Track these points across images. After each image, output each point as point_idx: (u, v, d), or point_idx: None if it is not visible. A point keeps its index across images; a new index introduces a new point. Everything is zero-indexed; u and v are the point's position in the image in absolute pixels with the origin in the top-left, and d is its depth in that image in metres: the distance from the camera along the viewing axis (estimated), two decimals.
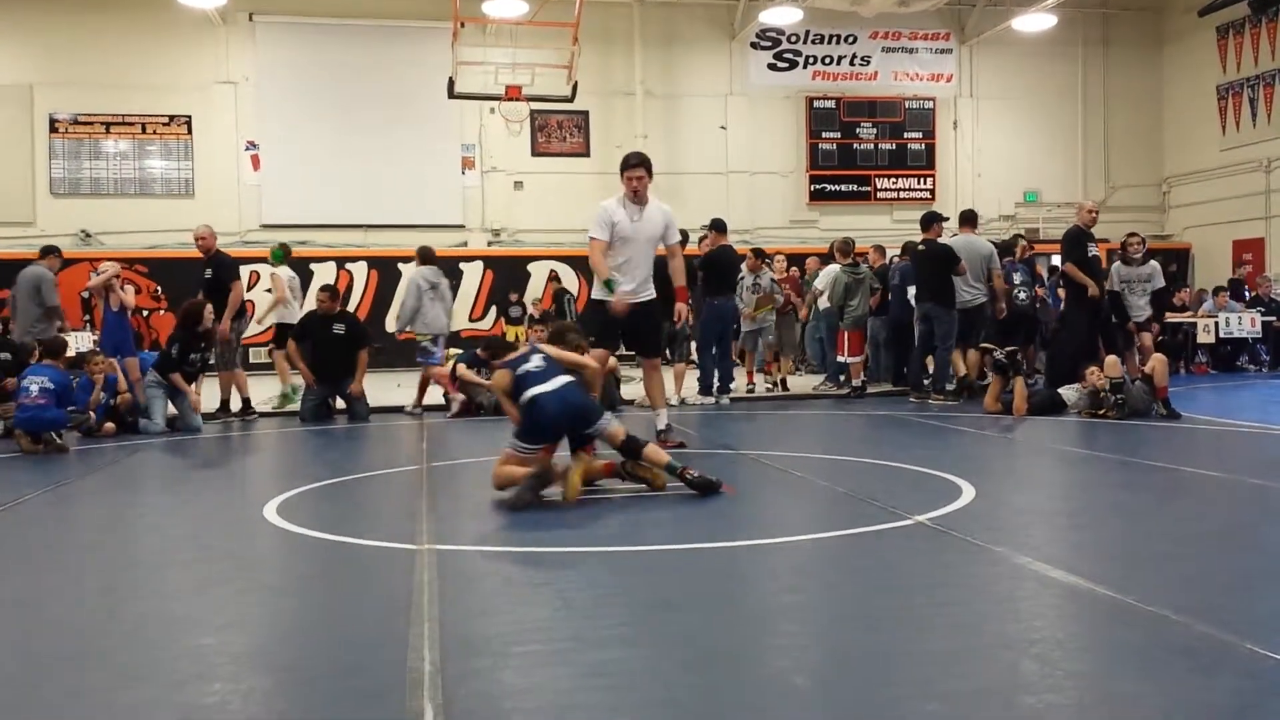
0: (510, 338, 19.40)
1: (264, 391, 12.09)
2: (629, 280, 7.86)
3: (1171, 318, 16.05)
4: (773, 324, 13.18)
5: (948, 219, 12.78)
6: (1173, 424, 9.43)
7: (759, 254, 13.14)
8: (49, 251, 11.38)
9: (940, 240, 12.02)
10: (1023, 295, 12.22)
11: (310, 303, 12.42)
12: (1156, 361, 10.07)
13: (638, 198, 7.82)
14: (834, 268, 13.24)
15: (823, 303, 13.33)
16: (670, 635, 3.51)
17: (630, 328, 7.98)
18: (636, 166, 7.86)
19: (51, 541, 5.44)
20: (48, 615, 3.93)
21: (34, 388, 8.84)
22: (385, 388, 13.11)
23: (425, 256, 11.96)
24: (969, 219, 12.37)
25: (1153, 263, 12.40)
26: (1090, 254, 11.27)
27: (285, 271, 12.60)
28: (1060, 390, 10.41)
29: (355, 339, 11.08)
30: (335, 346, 10.91)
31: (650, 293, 7.97)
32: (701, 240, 12.44)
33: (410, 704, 2.85)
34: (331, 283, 12.71)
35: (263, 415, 11.30)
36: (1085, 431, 9.10)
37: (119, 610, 3.99)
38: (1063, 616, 3.73)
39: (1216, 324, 16.35)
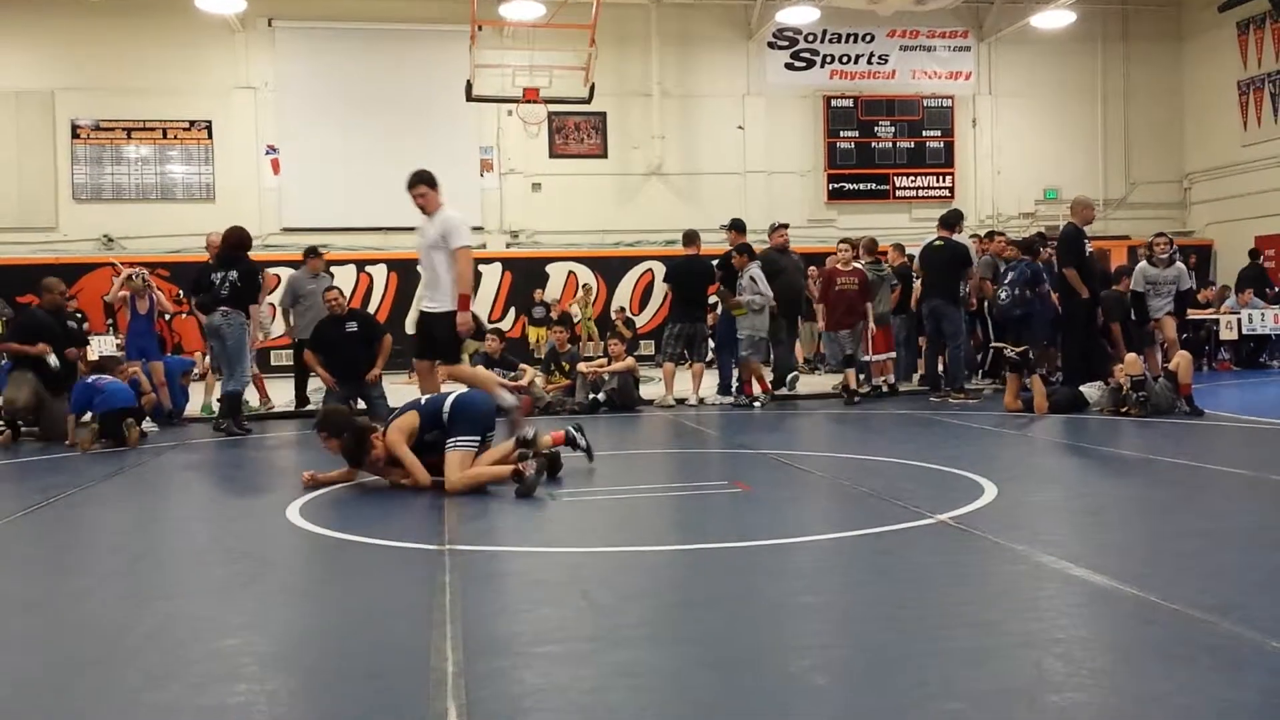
0: (532, 340, 19.46)
1: (282, 394, 12.16)
2: (425, 288, 8.00)
3: (1194, 314, 15.94)
4: (761, 331, 12.02)
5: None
6: (1196, 421, 9.37)
7: (743, 249, 12.91)
8: None
9: (957, 239, 12.01)
10: (1003, 295, 12.14)
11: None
12: (1181, 359, 10.01)
13: (425, 210, 7.86)
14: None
15: None
16: (692, 635, 3.51)
17: (427, 335, 7.94)
18: (417, 185, 7.87)
19: (76, 543, 5.48)
20: (73, 617, 3.96)
21: (107, 384, 9.28)
22: (408, 390, 13.12)
23: None
24: (947, 223, 12.18)
25: (1179, 265, 12.26)
26: (1087, 252, 11.09)
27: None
28: (1082, 388, 10.36)
29: (369, 335, 11.09)
30: (350, 346, 10.91)
31: (441, 303, 7.79)
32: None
33: (434, 704, 2.87)
34: (338, 285, 12.72)
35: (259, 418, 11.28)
36: (1107, 429, 9.04)
37: (144, 612, 4.02)
38: (1086, 615, 3.72)
39: (1239, 320, 16.23)
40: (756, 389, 11.97)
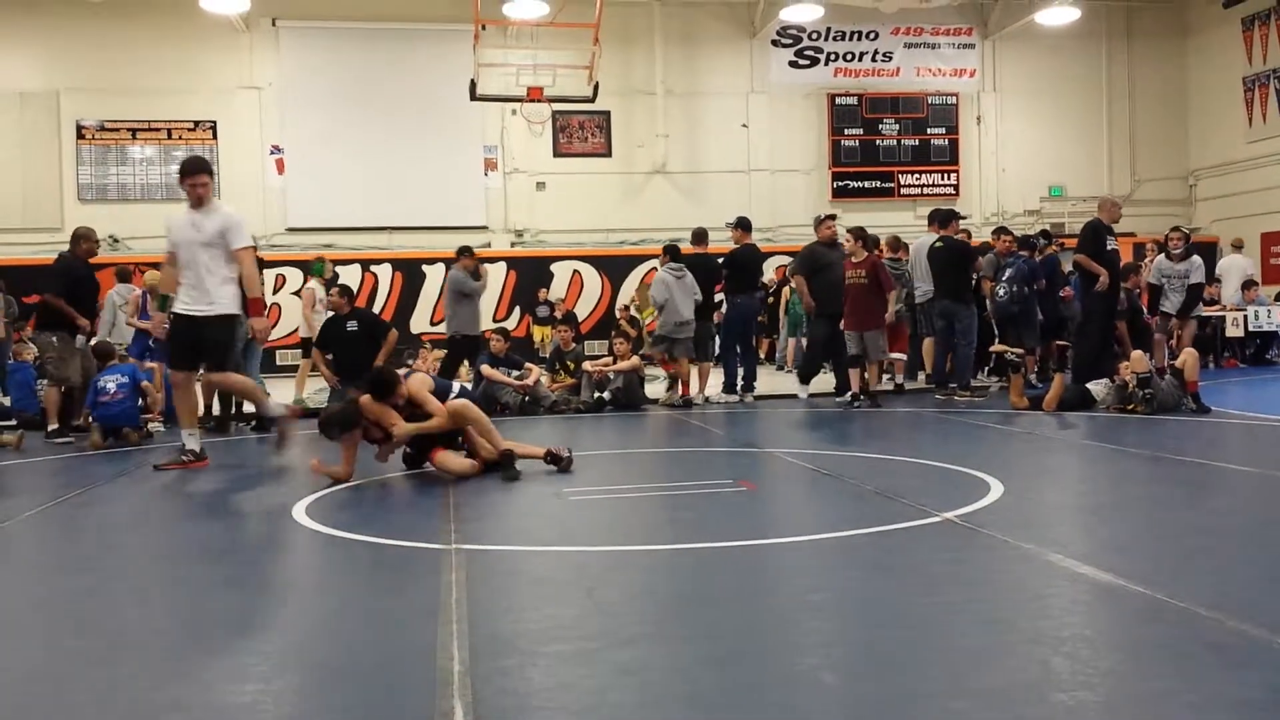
0: (538, 339, 19.46)
1: (283, 395, 12.18)
2: (189, 290, 7.43)
3: (1200, 311, 15.91)
4: (673, 332, 11.99)
5: (966, 216, 12.75)
6: (1202, 419, 9.36)
7: (669, 250, 12.93)
8: None
9: (958, 237, 12.01)
10: (1001, 293, 12.12)
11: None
12: (1188, 356, 9.99)
13: (201, 204, 7.46)
14: None
15: None
16: (698, 633, 3.51)
17: (193, 341, 7.48)
18: (199, 173, 7.48)
19: (84, 542, 5.49)
20: (79, 616, 3.96)
21: (110, 385, 9.30)
22: None
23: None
24: (942, 221, 12.16)
25: (1194, 258, 12.25)
26: (1109, 248, 11.16)
27: (317, 288, 12.97)
28: (1089, 385, 10.35)
29: (372, 333, 11.11)
30: (353, 345, 10.94)
31: (217, 306, 7.40)
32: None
33: (440, 703, 2.87)
34: (344, 283, 12.85)
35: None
36: (1114, 427, 9.03)
37: (150, 610, 4.03)
38: (1093, 613, 3.71)
39: (1246, 317, 16.20)
40: (693, 388, 12.00)
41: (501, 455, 6.86)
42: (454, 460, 6.92)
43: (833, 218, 12.54)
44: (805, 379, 12.30)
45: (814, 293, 11.70)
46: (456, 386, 7.58)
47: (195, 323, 7.41)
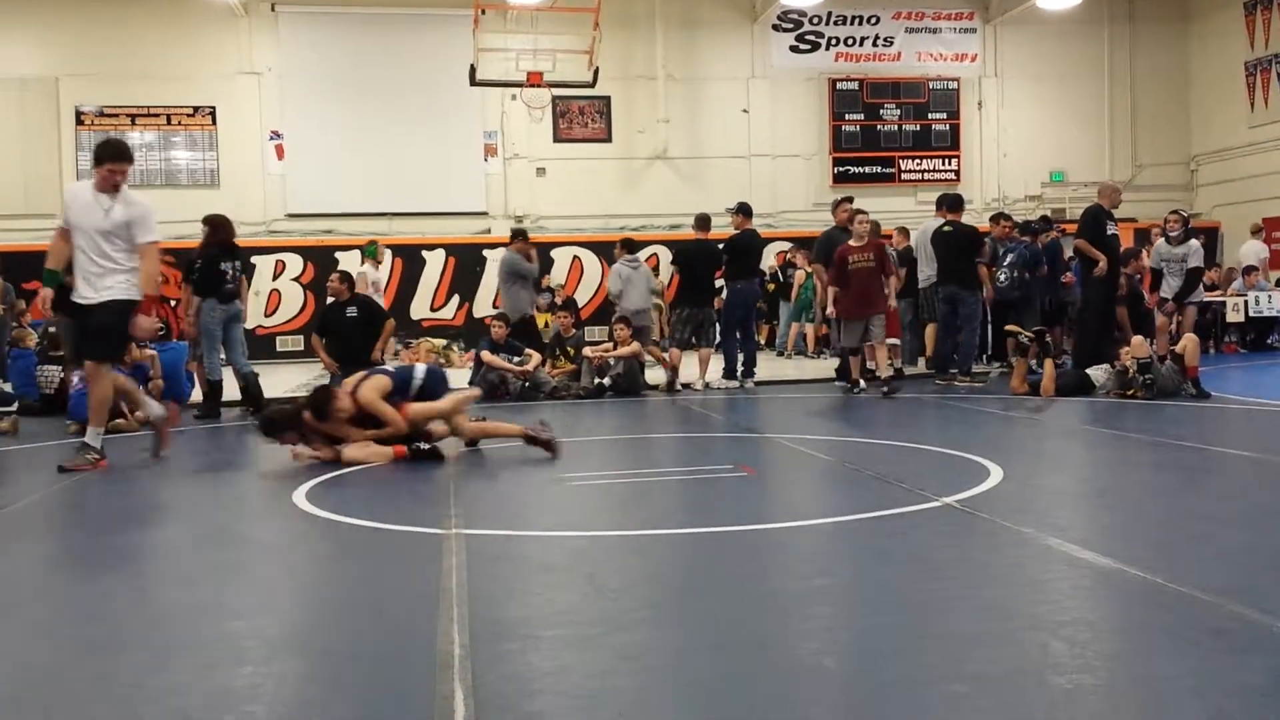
0: (541, 324, 19.45)
1: (288, 379, 12.18)
2: (95, 278, 6.94)
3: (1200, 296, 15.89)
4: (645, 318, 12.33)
5: (969, 202, 12.71)
6: (1202, 404, 9.36)
7: (626, 244, 13.01)
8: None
9: (965, 223, 11.97)
10: (1002, 278, 12.09)
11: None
12: (1188, 341, 9.99)
13: (117, 190, 7.05)
14: None
15: None
16: (699, 618, 3.51)
17: (79, 329, 7.15)
18: (122, 159, 7.12)
19: (82, 529, 5.50)
20: (77, 602, 3.97)
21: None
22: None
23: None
24: (952, 206, 12.12)
25: (1192, 242, 12.22)
26: (1109, 233, 11.13)
27: (370, 270, 13.40)
28: (1089, 371, 10.34)
29: (370, 320, 11.11)
30: (352, 331, 10.95)
31: (109, 293, 6.91)
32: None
33: (440, 687, 2.87)
34: (345, 269, 12.95)
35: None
36: (1113, 412, 9.03)
37: (149, 596, 4.03)
38: (1092, 597, 3.71)
39: (1246, 303, 16.19)
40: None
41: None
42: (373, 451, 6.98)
43: (850, 200, 12.32)
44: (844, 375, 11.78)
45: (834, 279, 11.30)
46: (420, 371, 7.53)
47: (93, 311, 6.95)
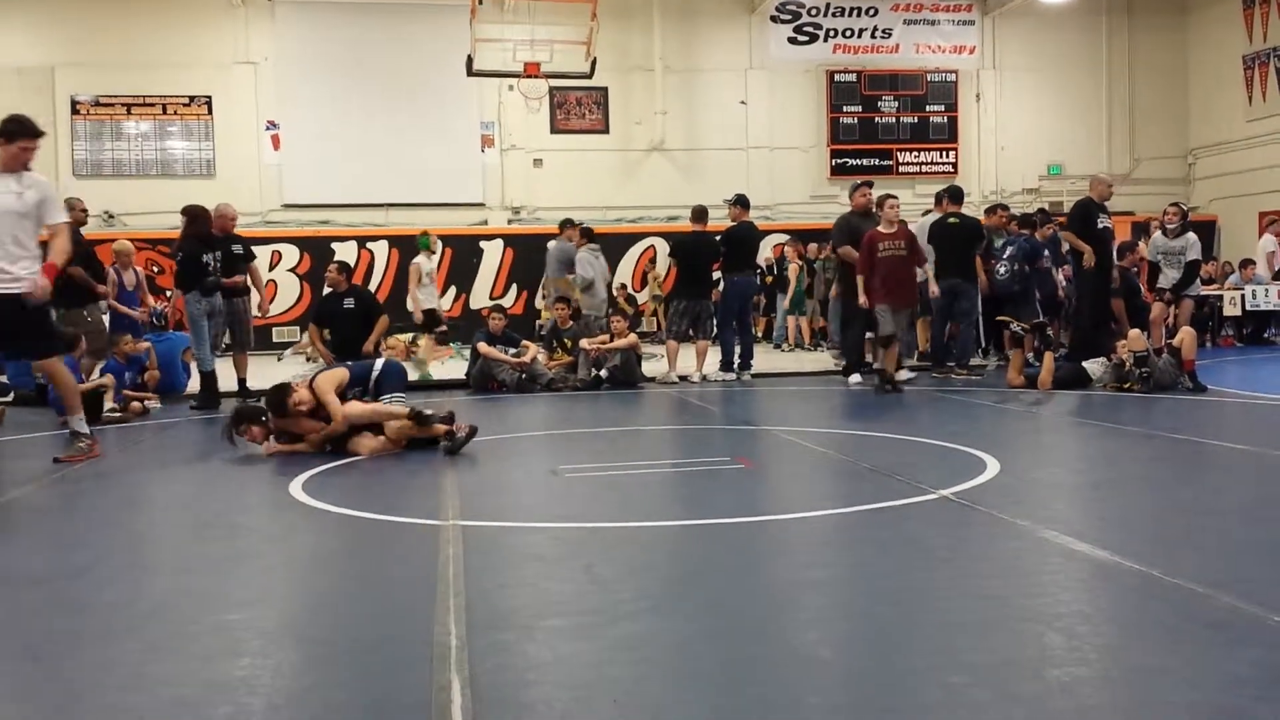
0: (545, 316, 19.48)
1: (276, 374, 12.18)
2: (8, 265, 6.55)
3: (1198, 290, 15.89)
4: (597, 310, 12.50)
5: (968, 195, 12.69)
6: (1199, 397, 9.37)
7: (585, 233, 13.07)
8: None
9: (968, 215, 11.97)
10: (1002, 271, 12.07)
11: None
12: (1185, 334, 9.99)
13: (25, 168, 6.67)
14: None
15: None
16: (695, 609, 3.51)
17: (24, 324, 6.71)
18: (37, 136, 6.70)
19: (79, 519, 5.49)
20: (75, 592, 3.96)
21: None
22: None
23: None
24: (955, 198, 12.13)
25: (1189, 235, 12.22)
26: (1100, 225, 11.12)
27: (424, 261, 13.77)
28: (1086, 364, 10.35)
29: (367, 312, 11.11)
30: (348, 322, 10.95)
31: (19, 284, 6.54)
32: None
33: (437, 677, 2.88)
34: (343, 259, 13.00)
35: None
36: (1110, 405, 9.04)
37: (146, 586, 4.03)
38: (1088, 590, 3.72)
39: (1243, 296, 16.20)
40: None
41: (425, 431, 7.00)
42: (367, 442, 6.98)
43: (870, 184, 12.02)
44: (852, 368, 11.41)
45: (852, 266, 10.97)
46: (379, 365, 7.55)
47: (7, 302, 6.56)
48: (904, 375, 10.78)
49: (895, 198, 10.90)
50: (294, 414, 6.99)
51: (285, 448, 7.02)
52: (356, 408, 7.01)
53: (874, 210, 11.47)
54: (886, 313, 10.38)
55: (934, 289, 11.19)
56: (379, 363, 7.64)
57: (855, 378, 11.21)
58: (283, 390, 7.09)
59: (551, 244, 14.01)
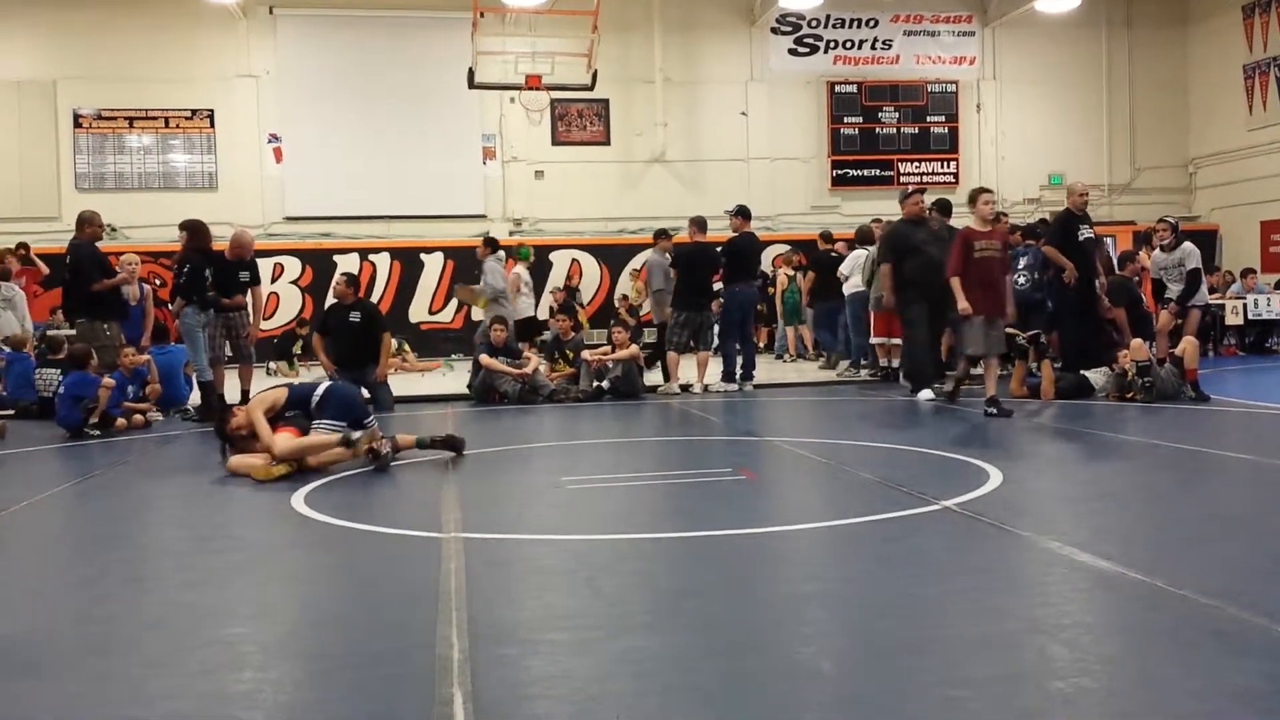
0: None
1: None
2: None
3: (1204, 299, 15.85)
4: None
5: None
6: (1201, 407, 9.35)
7: (489, 242, 13.08)
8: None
9: (955, 227, 11.94)
10: (1021, 280, 12.05)
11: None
12: (1187, 344, 9.98)
13: None
14: (860, 252, 13.19)
15: (849, 287, 13.27)
16: (697, 622, 3.50)
17: None
18: None
19: (79, 532, 5.49)
20: (75, 606, 3.96)
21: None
22: (413, 378, 13.20)
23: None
24: (945, 210, 12.12)
25: (1185, 245, 12.19)
26: (1082, 237, 10.98)
27: (523, 271, 14.13)
28: (1088, 374, 10.33)
29: (372, 326, 11.14)
30: (353, 334, 11.00)
31: None
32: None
33: (439, 691, 2.87)
34: (351, 271, 13.03)
35: None
36: (1113, 415, 9.02)
37: (147, 600, 4.02)
38: (1092, 600, 3.71)
39: (1245, 305, 16.19)
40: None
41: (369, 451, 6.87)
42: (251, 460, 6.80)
43: (921, 191, 11.46)
44: (922, 382, 10.56)
45: (907, 276, 10.53)
46: (321, 388, 7.22)
47: None
48: (925, 395, 10.36)
49: (990, 192, 9.79)
50: (235, 438, 6.94)
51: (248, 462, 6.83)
52: (285, 443, 6.73)
53: (926, 218, 11.15)
54: (978, 327, 9.15)
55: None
56: (321, 387, 7.25)
57: (926, 394, 10.37)
58: (222, 415, 7.18)
59: (648, 254, 13.93)
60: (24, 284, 13.62)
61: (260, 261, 12.11)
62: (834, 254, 14.80)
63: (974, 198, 9.80)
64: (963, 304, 9.09)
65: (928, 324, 10.50)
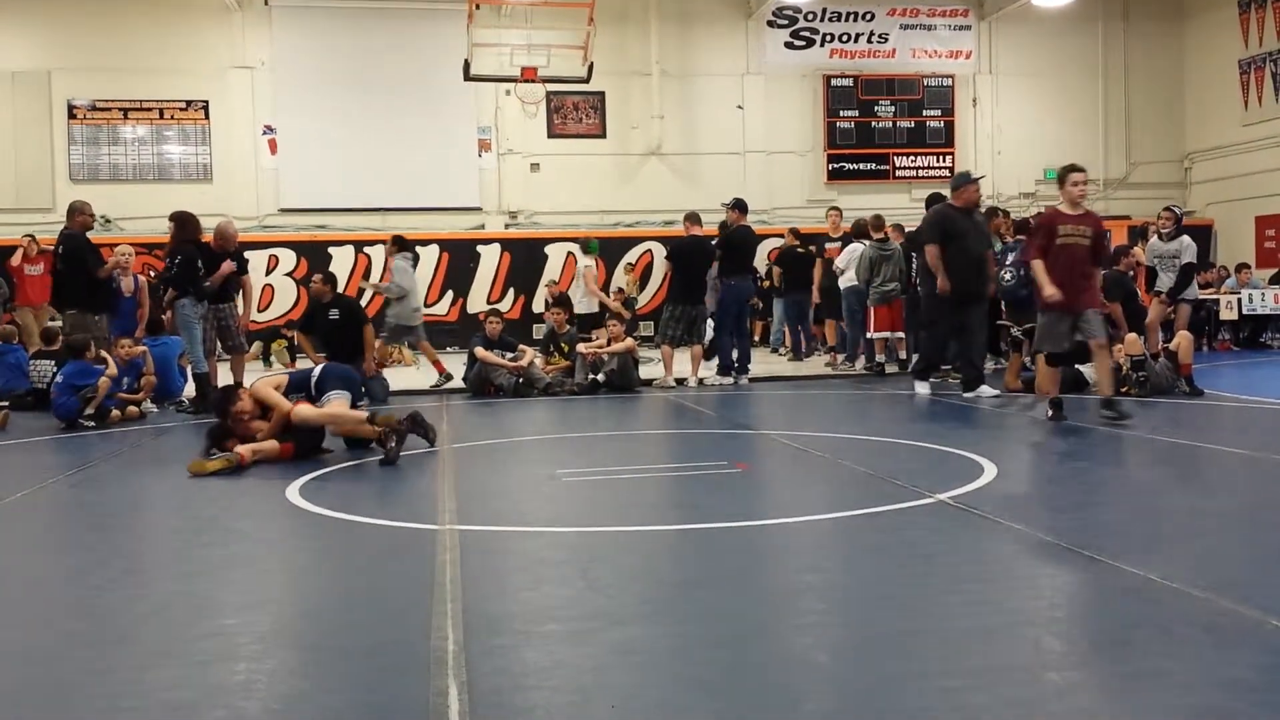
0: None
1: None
2: None
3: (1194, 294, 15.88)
4: (406, 320, 12.55)
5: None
6: (1195, 401, 9.37)
7: (398, 241, 13.10)
8: None
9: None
10: (1008, 276, 12.04)
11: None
12: (1181, 339, 10.01)
13: None
14: (856, 245, 13.20)
15: (845, 280, 13.27)
16: (693, 613, 3.51)
17: None
18: None
19: (75, 523, 5.49)
20: (72, 597, 3.96)
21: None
22: (403, 371, 13.20)
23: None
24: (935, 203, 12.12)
25: (1183, 238, 12.21)
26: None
27: (593, 265, 14.65)
28: (1082, 368, 10.34)
29: (352, 321, 11.24)
30: (334, 332, 11.19)
31: None
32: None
33: (434, 682, 2.87)
34: (330, 271, 13.13)
35: None
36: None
37: (143, 591, 4.02)
38: (1085, 593, 3.72)
39: (1239, 300, 16.22)
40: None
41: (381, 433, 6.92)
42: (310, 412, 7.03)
43: (979, 179, 10.91)
44: (927, 373, 10.64)
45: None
46: (318, 369, 7.52)
47: None
48: (923, 389, 10.35)
49: (1082, 171, 8.45)
50: (236, 421, 6.96)
51: (255, 449, 6.88)
52: (307, 410, 6.96)
53: (977, 210, 10.62)
54: (1056, 323, 8.25)
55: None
56: (318, 368, 7.59)
57: (922, 386, 10.42)
58: (224, 398, 7.15)
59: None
60: (42, 272, 13.63)
61: (255, 254, 12.16)
62: (800, 250, 15.13)
63: (1062, 177, 8.61)
64: (1049, 290, 8.05)
65: (950, 319, 10.24)
